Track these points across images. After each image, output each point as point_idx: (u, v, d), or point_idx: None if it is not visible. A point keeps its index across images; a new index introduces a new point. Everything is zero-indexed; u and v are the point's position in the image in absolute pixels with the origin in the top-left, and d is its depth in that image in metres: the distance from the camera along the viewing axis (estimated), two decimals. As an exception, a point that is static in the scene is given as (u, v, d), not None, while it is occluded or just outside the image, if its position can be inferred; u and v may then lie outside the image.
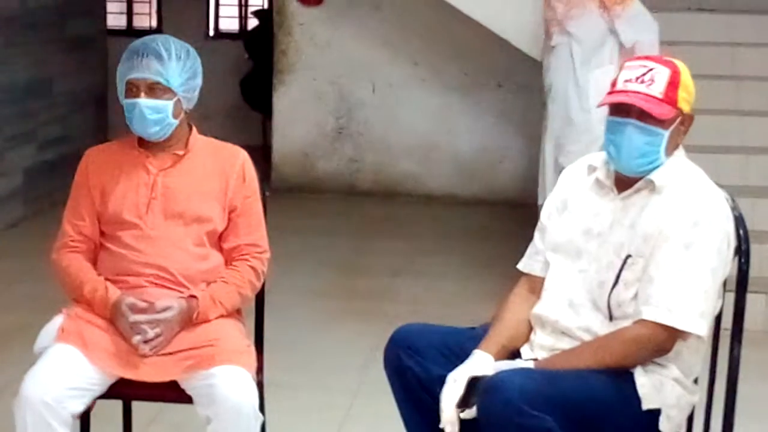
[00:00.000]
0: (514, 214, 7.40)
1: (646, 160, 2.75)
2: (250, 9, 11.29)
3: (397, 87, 8.41)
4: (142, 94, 3.01)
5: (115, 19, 10.97)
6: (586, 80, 5.24)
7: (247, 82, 10.25)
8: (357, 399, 4.35)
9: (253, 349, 3.05)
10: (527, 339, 2.88)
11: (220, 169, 3.13)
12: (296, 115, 8.50)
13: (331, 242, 6.95)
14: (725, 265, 2.73)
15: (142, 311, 2.95)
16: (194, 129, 3.19)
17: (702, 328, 2.68)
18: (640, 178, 2.77)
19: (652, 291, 2.67)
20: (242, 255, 3.12)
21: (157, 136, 3.07)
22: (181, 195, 3.09)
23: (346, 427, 4.11)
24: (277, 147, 8.57)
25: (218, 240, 3.13)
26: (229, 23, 11.50)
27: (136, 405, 3.39)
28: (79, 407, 2.89)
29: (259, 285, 3.16)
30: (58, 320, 3.02)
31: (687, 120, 2.79)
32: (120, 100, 3.07)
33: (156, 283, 3.02)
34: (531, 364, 2.73)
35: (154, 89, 3.01)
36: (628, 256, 2.72)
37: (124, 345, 2.95)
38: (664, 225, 2.69)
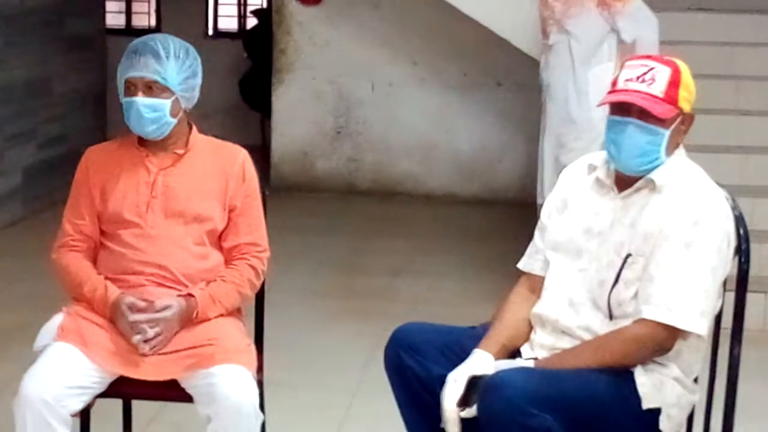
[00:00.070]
0: (514, 214, 7.41)
1: (647, 159, 2.75)
2: (249, 8, 11.28)
3: (397, 86, 8.41)
4: (140, 93, 3.01)
5: (114, 19, 10.96)
6: (585, 78, 5.25)
7: (246, 82, 10.25)
8: (357, 398, 4.35)
9: (253, 348, 3.05)
10: (527, 338, 2.88)
11: (220, 168, 3.13)
12: (295, 114, 8.50)
13: (330, 241, 6.95)
14: (725, 264, 2.73)
15: (142, 310, 2.95)
16: (194, 128, 3.19)
17: (702, 327, 2.68)
18: (641, 177, 2.77)
19: (653, 290, 2.67)
20: (242, 254, 3.12)
21: (154, 135, 3.07)
22: (182, 194, 3.09)
23: (345, 426, 4.11)
24: (276, 146, 8.57)
25: (218, 239, 3.13)
26: (228, 22, 11.50)
27: (135, 404, 3.40)
28: (79, 406, 2.90)
29: (258, 284, 3.16)
30: (57, 319, 3.02)
31: (687, 119, 2.79)
32: (120, 99, 3.08)
33: (156, 282, 3.02)
34: (531, 364, 2.74)
35: (152, 88, 3.01)
36: (629, 255, 2.72)
37: (124, 343, 2.95)
38: (665, 224, 2.69)
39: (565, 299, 2.81)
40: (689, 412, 2.85)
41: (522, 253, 3.05)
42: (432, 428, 2.82)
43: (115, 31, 10.03)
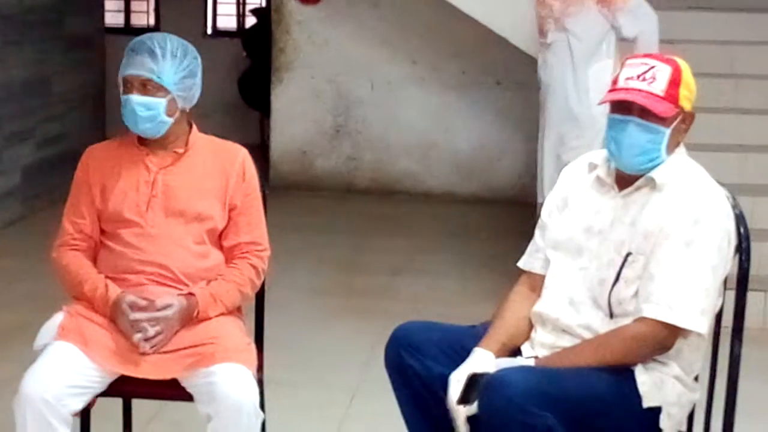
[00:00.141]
0: (513, 212, 7.41)
1: (647, 158, 2.75)
2: (248, 7, 11.29)
3: (396, 85, 8.41)
4: (135, 91, 3.02)
5: (113, 18, 10.96)
6: (585, 76, 5.25)
7: (245, 81, 10.25)
8: (357, 397, 4.35)
9: (253, 346, 3.05)
10: (528, 337, 2.88)
11: (220, 167, 3.13)
12: (294, 113, 8.50)
13: (330, 240, 6.95)
14: (726, 262, 2.73)
15: (143, 309, 2.95)
16: (194, 127, 3.18)
17: (703, 325, 2.68)
18: (641, 176, 2.77)
19: (653, 288, 2.67)
20: (243, 253, 3.12)
21: (150, 133, 3.07)
22: (182, 193, 3.09)
23: (345, 424, 4.11)
24: (276, 145, 8.57)
25: (218, 238, 3.13)
26: (227, 21, 11.50)
27: (136, 403, 3.40)
28: (79, 405, 2.89)
29: (259, 283, 3.16)
30: (58, 318, 3.02)
31: (688, 118, 2.79)
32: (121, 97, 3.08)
33: (156, 281, 3.02)
34: (532, 362, 2.74)
35: (147, 86, 3.02)
36: (629, 254, 2.72)
37: (125, 342, 2.95)
38: (665, 222, 2.69)
39: (566, 298, 2.82)
40: (690, 410, 2.85)
41: (521, 252, 3.05)
42: (432, 427, 2.83)
43: (114, 30, 10.02)
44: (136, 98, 3.01)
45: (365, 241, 7.01)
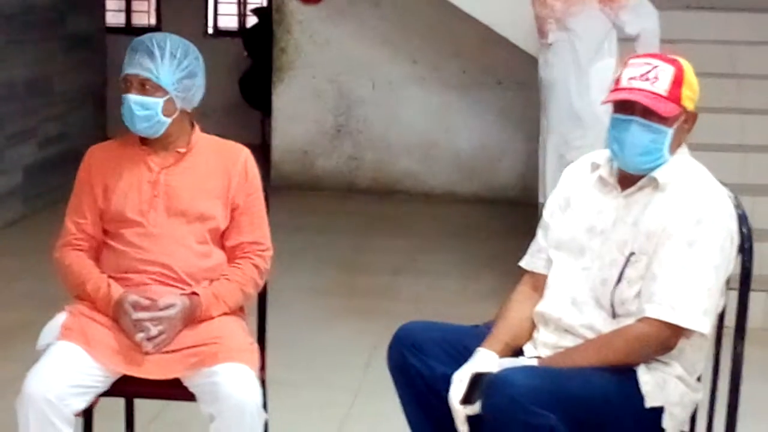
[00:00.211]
0: (514, 212, 7.41)
1: (650, 158, 2.75)
2: (249, 7, 11.30)
3: (397, 85, 8.41)
4: (133, 90, 3.02)
5: (114, 17, 10.97)
6: (588, 75, 5.25)
7: (246, 80, 10.25)
8: (358, 397, 4.35)
9: (256, 346, 3.06)
10: (530, 337, 2.88)
11: (222, 167, 3.13)
12: (295, 113, 8.51)
13: (331, 240, 6.95)
14: (728, 262, 2.73)
15: (145, 309, 2.95)
16: (197, 127, 3.19)
17: (705, 325, 2.68)
18: (644, 176, 2.77)
19: (656, 288, 2.67)
20: (245, 253, 3.12)
21: (147, 133, 3.07)
22: (184, 193, 3.09)
23: (347, 424, 4.11)
24: (277, 145, 8.57)
25: (221, 238, 3.13)
26: (228, 21, 11.51)
27: (138, 402, 3.40)
28: (82, 405, 2.89)
29: (261, 282, 3.16)
30: (60, 318, 3.02)
31: (691, 118, 2.79)
32: (123, 96, 3.09)
33: (159, 281, 3.02)
34: (534, 362, 2.74)
35: (145, 86, 3.02)
36: (632, 254, 2.72)
37: (127, 342, 2.95)
38: (668, 222, 2.69)
39: (568, 298, 2.82)
40: (692, 410, 2.85)
41: (522, 252, 3.05)
42: (435, 427, 2.83)
43: (115, 30, 10.04)
44: (133, 97, 3.02)
45: (366, 240, 7.01)
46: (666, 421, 2.71)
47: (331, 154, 8.53)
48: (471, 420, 2.67)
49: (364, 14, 8.34)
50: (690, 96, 2.75)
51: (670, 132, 2.74)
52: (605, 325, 2.75)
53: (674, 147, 2.78)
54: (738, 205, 2.80)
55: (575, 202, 2.90)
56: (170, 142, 3.12)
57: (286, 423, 3.68)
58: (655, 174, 2.76)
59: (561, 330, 2.82)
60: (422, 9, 8.08)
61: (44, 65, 7.56)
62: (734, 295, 2.82)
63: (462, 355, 2.78)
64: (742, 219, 2.79)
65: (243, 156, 3.17)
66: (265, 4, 10.88)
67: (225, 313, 3.06)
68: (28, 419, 2.81)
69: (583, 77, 5.26)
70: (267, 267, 3.16)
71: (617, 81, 2.79)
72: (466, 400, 2.67)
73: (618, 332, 2.71)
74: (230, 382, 2.83)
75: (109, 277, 3.04)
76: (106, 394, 2.97)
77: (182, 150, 3.13)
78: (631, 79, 2.73)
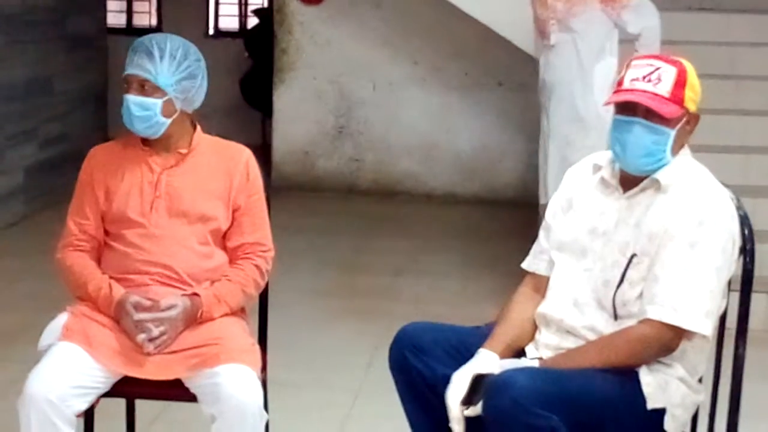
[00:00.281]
0: (515, 213, 7.41)
1: (652, 159, 2.75)
2: (250, 7, 11.30)
3: (398, 86, 8.41)
4: (133, 91, 3.03)
5: (115, 18, 10.97)
6: (591, 76, 5.26)
7: (247, 81, 10.26)
8: (359, 398, 4.35)
9: (257, 347, 3.06)
10: (532, 338, 2.88)
11: (224, 167, 3.13)
12: (296, 113, 8.51)
13: (332, 241, 6.95)
14: (730, 264, 2.73)
15: (147, 309, 2.95)
16: (198, 128, 3.19)
17: (707, 327, 2.68)
18: (646, 177, 2.77)
19: (657, 290, 2.67)
20: (246, 254, 3.12)
21: (146, 133, 3.07)
22: (186, 194, 3.09)
23: (348, 425, 4.12)
24: (278, 146, 8.57)
25: (222, 239, 3.13)
26: (229, 22, 11.51)
27: (139, 403, 3.40)
28: (83, 406, 2.89)
29: (263, 283, 3.16)
30: (62, 318, 3.02)
31: (693, 119, 2.79)
32: (125, 96, 3.10)
33: (161, 282, 3.02)
34: (536, 363, 2.74)
35: (145, 87, 3.02)
36: (633, 255, 2.72)
37: (129, 343, 2.95)
38: (670, 224, 2.69)
39: (570, 299, 2.82)
40: (694, 412, 2.85)
41: (523, 253, 3.05)
42: (436, 428, 2.82)
43: (116, 31, 10.04)
44: (132, 98, 3.02)
45: (367, 241, 7.01)
46: (668, 423, 2.71)
47: (332, 155, 8.53)
48: (471, 421, 2.67)
49: (365, 15, 8.34)
50: (692, 97, 2.75)
51: (672, 133, 2.74)
52: (607, 326, 2.75)
53: (676, 148, 2.78)
54: (739, 207, 2.80)
55: (577, 203, 2.90)
56: (171, 143, 3.12)
57: (287, 424, 3.68)
58: (657, 175, 2.75)
59: (563, 331, 2.82)
60: (423, 10, 8.08)
61: (45, 65, 7.57)
62: (736, 297, 2.82)
63: (463, 356, 2.78)
64: (744, 220, 2.79)
65: (245, 157, 3.17)
66: (266, 4, 10.88)
67: (226, 314, 3.06)
68: (29, 420, 2.81)
69: (587, 78, 5.26)
70: (268, 268, 3.16)
71: (619, 82, 2.79)
72: (468, 401, 2.67)
73: (620, 334, 2.71)
74: (231, 382, 2.83)
75: (111, 277, 3.04)
76: (108, 394, 2.97)
77: (184, 151, 3.13)
78: (633, 80, 2.73)
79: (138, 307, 2.95)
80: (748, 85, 6.31)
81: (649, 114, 2.71)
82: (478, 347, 2.79)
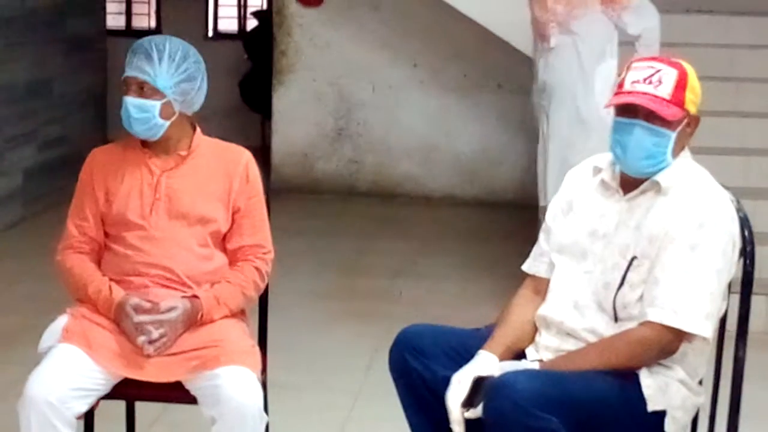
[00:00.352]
0: (515, 215, 7.41)
1: (653, 162, 2.75)
2: (250, 9, 11.30)
3: (397, 88, 8.41)
4: (132, 93, 3.03)
5: (114, 20, 10.97)
6: (593, 78, 5.26)
7: (246, 83, 10.26)
8: (359, 400, 4.35)
9: (257, 349, 3.06)
10: (532, 340, 2.88)
11: (224, 169, 3.13)
12: (296, 115, 8.51)
13: (331, 243, 6.95)
14: (730, 266, 2.73)
15: (147, 312, 2.95)
16: (198, 130, 3.19)
17: (707, 329, 2.68)
18: (646, 180, 2.77)
19: (658, 292, 2.67)
20: (246, 256, 3.12)
21: (145, 135, 3.07)
22: (185, 196, 3.09)
23: (348, 427, 4.12)
24: (277, 148, 8.57)
25: (222, 241, 3.13)
26: (229, 24, 11.51)
27: (138, 405, 3.40)
28: (83, 408, 2.89)
29: (263, 285, 3.16)
30: (62, 320, 3.02)
31: (693, 121, 2.79)
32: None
33: (161, 284, 3.02)
34: (536, 365, 2.74)
35: (144, 89, 3.02)
36: (634, 258, 2.72)
37: (129, 345, 2.95)
38: (670, 226, 2.69)
39: (570, 301, 2.82)
40: (694, 414, 2.85)
41: (522, 255, 3.05)
42: (436, 430, 2.82)
43: (115, 33, 10.04)
44: (131, 100, 3.03)
45: (366, 244, 7.01)
46: (668, 425, 2.71)
47: (332, 157, 8.53)
48: (472, 423, 2.67)
49: (364, 17, 8.34)
50: (693, 99, 2.75)
51: (673, 136, 2.74)
52: (607, 328, 2.74)
53: (677, 150, 2.78)
54: (740, 209, 2.80)
55: (577, 205, 2.90)
56: (171, 145, 3.12)
57: (287, 426, 3.68)
58: (658, 178, 2.75)
59: (563, 333, 2.81)
60: (422, 12, 8.08)
61: (44, 67, 7.57)
62: (736, 299, 2.81)
63: (463, 358, 2.78)
64: (744, 222, 2.79)
65: (244, 159, 3.17)
66: (265, 7, 10.89)
67: (226, 316, 3.05)
68: (29, 422, 2.81)
69: (588, 80, 5.26)
70: (268, 270, 3.16)
71: (620, 84, 2.79)
72: (468, 403, 2.67)
73: (620, 336, 2.71)
74: (231, 385, 2.83)
75: (111, 279, 3.04)
76: (108, 396, 2.97)
77: (183, 153, 3.13)
78: (634, 82, 2.73)
79: (138, 309, 2.95)
80: (747, 87, 6.32)
81: (650, 116, 2.71)
82: (478, 349, 2.78)
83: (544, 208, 3.07)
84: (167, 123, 3.06)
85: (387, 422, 3.44)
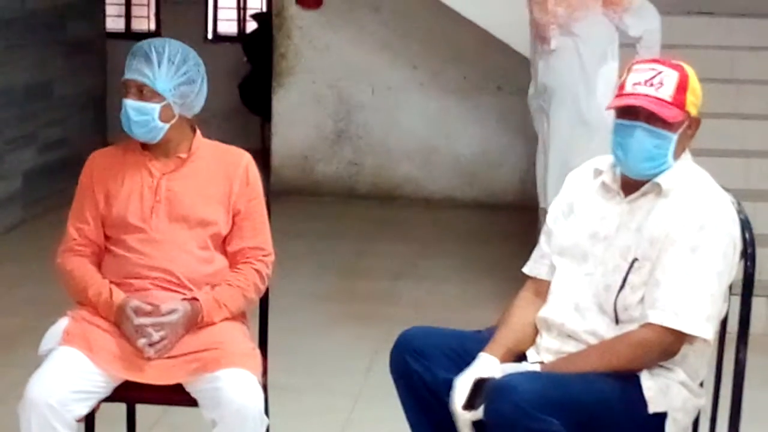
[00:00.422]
0: (514, 217, 7.41)
1: (654, 164, 2.75)
2: (249, 12, 11.29)
3: (397, 90, 8.41)
4: (131, 95, 3.03)
5: (114, 22, 10.97)
6: (595, 80, 5.26)
7: (246, 86, 10.25)
8: (359, 402, 4.35)
9: (258, 352, 3.06)
10: (533, 342, 2.88)
11: (224, 172, 3.13)
12: (295, 118, 8.50)
13: (331, 245, 6.95)
14: (731, 268, 2.73)
15: (147, 314, 2.95)
16: (198, 132, 3.19)
17: (708, 331, 2.68)
18: (647, 182, 2.77)
19: (659, 295, 2.67)
20: (247, 258, 3.12)
21: (145, 138, 3.08)
22: (186, 198, 3.09)
23: (348, 429, 4.12)
24: (277, 150, 8.56)
25: (222, 243, 3.13)
26: (228, 26, 11.51)
27: (139, 407, 3.40)
28: (84, 410, 2.89)
29: (263, 288, 3.16)
30: (62, 323, 3.02)
31: (694, 123, 2.79)
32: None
33: (161, 286, 3.02)
34: (537, 367, 2.74)
35: (143, 91, 3.02)
36: (635, 260, 2.72)
37: (129, 348, 2.95)
38: (671, 228, 2.69)
39: (571, 303, 2.81)
40: (695, 416, 2.85)
41: (522, 257, 3.05)
42: (437, 432, 2.82)
43: (115, 35, 10.03)
44: (130, 102, 3.03)
45: (366, 246, 7.01)
46: (669, 427, 2.71)
47: (331, 159, 8.52)
48: (473, 425, 2.67)
49: (364, 20, 8.34)
50: (694, 102, 2.75)
51: (674, 138, 2.74)
52: (608, 331, 2.74)
53: (678, 153, 2.78)
54: (740, 211, 2.81)
55: (578, 208, 2.90)
56: (171, 148, 3.12)
57: (288, 428, 3.68)
58: (659, 180, 2.75)
59: (564, 335, 2.81)
60: (422, 14, 8.08)
61: (44, 70, 7.57)
62: (737, 301, 2.82)
63: (464, 361, 2.78)
64: (745, 224, 2.79)
65: (244, 161, 3.17)
66: (264, 9, 10.89)
67: (227, 319, 3.05)
68: (30, 424, 2.81)
69: (590, 82, 5.26)
70: (269, 272, 3.15)
71: (621, 86, 2.79)
72: (469, 405, 2.67)
73: (621, 338, 2.71)
74: (232, 387, 2.83)
75: (111, 282, 3.04)
76: (108, 399, 2.97)
77: (183, 155, 3.13)
78: (635, 84, 2.73)
79: (138, 312, 2.95)
80: (748, 89, 6.32)
81: (651, 118, 2.71)
82: (479, 351, 2.78)
83: (544, 210, 3.06)
84: (167, 126, 3.06)
85: (387, 424, 3.44)
